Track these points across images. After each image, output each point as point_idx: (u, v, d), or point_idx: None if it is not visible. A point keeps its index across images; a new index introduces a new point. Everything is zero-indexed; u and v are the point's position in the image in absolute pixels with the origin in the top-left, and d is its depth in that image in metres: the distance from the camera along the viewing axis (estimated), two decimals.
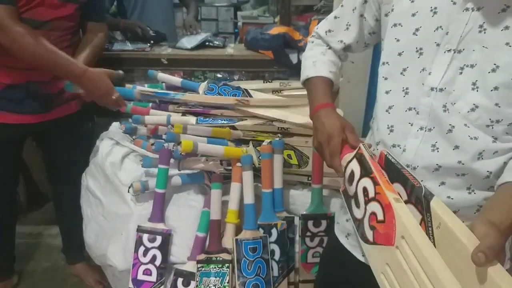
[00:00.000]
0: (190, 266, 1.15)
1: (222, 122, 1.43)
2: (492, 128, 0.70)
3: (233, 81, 1.76)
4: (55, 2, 1.32)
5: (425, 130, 0.75)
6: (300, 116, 1.36)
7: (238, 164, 1.19)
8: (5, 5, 1.20)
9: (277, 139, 1.25)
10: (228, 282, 1.11)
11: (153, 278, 1.16)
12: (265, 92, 1.60)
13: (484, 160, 0.72)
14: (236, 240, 1.13)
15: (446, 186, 0.75)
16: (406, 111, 0.77)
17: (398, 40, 0.78)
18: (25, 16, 1.27)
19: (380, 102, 0.82)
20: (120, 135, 1.46)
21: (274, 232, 1.18)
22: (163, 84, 1.63)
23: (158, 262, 1.16)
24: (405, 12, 0.77)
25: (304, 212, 1.24)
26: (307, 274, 1.23)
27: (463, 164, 0.73)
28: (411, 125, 0.77)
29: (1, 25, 1.19)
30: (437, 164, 0.75)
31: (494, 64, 0.67)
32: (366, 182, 0.70)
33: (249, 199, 1.16)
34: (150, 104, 1.56)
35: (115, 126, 1.54)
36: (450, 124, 0.73)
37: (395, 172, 0.71)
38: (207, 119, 1.45)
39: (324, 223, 1.24)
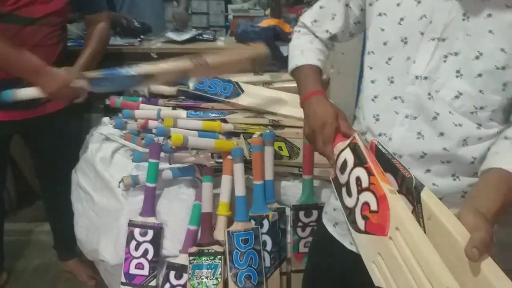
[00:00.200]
0: (182, 259, 1.15)
1: (213, 115, 1.43)
2: (476, 114, 0.71)
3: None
4: None
5: (411, 118, 0.76)
6: (291, 108, 1.36)
7: (229, 157, 1.19)
8: None
9: (268, 131, 1.25)
10: (220, 274, 1.11)
11: (145, 271, 1.16)
12: (256, 85, 1.60)
13: (468, 147, 0.73)
14: (228, 232, 1.13)
15: (432, 174, 0.76)
16: (391, 100, 0.78)
17: (383, 30, 0.78)
18: (17, 13, 1.25)
19: (366, 92, 0.83)
20: (110, 130, 1.45)
21: (265, 223, 1.18)
22: None
23: (150, 256, 1.16)
24: (389, 2, 0.77)
25: (295, 203, 1.24)
26: (299, 264, 1.24)
27: (448, 151, 0.74)
28: (397, 113, 0.77)
29: None
30: (422, 152, 0.75)
31: (478, 52, 0.68)
32: (360, 171, 0.70)
33: (240, 191, 1.16)
34: (140, 99, 1.55)
35: (105, 121, 1.53)
36: (434, 112, 0.73)
37: (385, 162, 0.72)
38: (197, 112, 1.45)
39: (315, 213, 1.24)
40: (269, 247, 1.18)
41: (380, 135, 0.79)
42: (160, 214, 1.21)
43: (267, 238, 1.18)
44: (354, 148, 0.73)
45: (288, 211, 1.24)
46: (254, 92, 1.52)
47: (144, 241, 1.17)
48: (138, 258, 1.16)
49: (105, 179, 1.27)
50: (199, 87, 1.51)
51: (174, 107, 1.46)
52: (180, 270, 1.14)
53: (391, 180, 0.69)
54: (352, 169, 0.72)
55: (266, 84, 1.61)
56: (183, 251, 1.16)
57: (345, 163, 0.74)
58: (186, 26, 2.15)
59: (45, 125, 1.50)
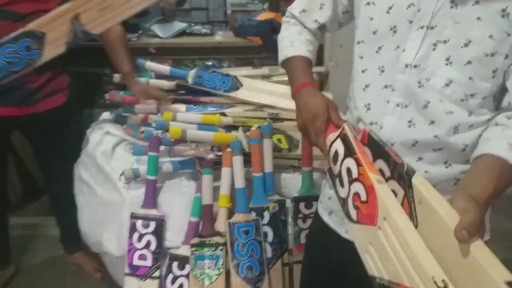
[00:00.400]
0: (185, 250, 1.17)
1: (212, 109, 1.44)
2: (467, 102, 0.72)
3: (222, 68, 1.76)
4: None
5: (401, 107, 0.76)
6: (290, 102, 1.37)
7: (228, 149, 1.21)
8: None
9: (266, 124, 1.27)
10: (222, 264, 1.13)
11: (148, 262, 1.18)
12: (255, 79, 1.61)
13: (460, 134, 0.74)
14: (229, 223, 1.15)
15: (424, 161, 0.77)
16: (382, 89, 0.78)
17: (372, 19, 0.79)
18: (6, 9, 1.26)
19: (357, 81, 0.83)
20: (110, 124, 1.47)
21: (266, 214, 1.20)
22: (152, 73, 1.63)
23: (153, 247, 1.18)
24: None
25: (296, 195, 1.26)
26: (300, 255, 1.25)
27: (439, 138, 0.74)
28: (388, 102, 0.78)
29: None
30: (414, 140, 0.76)
31: (467, 39, 0.69)
32: (350, 162, 0.71)
33: (240, 183, 1.18)
34: None
35: (105, 116, 1.55)
36: (425, 100, 0.74)
37: (378, 149, 0.73)
38: (197, 106, 1.46)
39: (315, 204, 1.24)
40: (270, 238, 1.20)
41: (371, 124, 0.80)
42: (161, 206, 1.23)
43: (268, 230, 1.20)
44: (344, 138, 0.74)
45: (288, 203, 1.26)
46: (253, 86, 1.53)
47: (147, 233, 1.19)
48: (141, 249, 1.19)
49: (107, 172, 1.29)
50: (198, 81, 1.52)
51: (174, 101, 1.47)
52: (182, 261, 1.17)
53: (383, 167, 0.70)
54: (343, 160, 0.73)
55: (265, 77, 1.62)
56: (185, 243, 1.18)
57: (336, 154, 0.75)
58: (173, 15, 2.08)
59: (43, 122, 1.51)
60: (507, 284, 0.49)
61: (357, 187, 0.68)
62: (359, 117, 0.83)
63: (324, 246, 0.95)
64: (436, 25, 0.71)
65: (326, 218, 0.94)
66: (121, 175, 1.24)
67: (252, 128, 1.24)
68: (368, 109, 0.81)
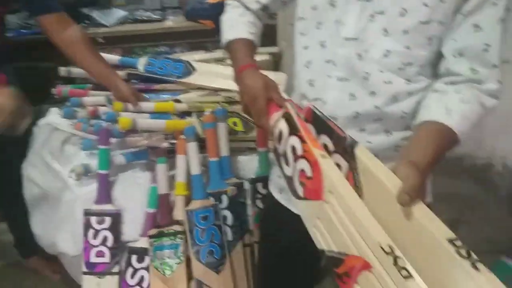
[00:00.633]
0: (143, 242, 1.14)
1: (166, 96, 1.40)
2: (405, 71, 0.72)
3: (175, 53, 1.72)
4: None
5: (343, 81, 0.77)
6: None
7: (182, 136, 1.18)
8: None
9: (219, 107, 1.24)
10: (182, 252, 1.11)
11: (106, 259, 1.14)
12: (208, 62, 1.58)
13: (399, 103, 0.75)
14: (187, 211, 1.13)
15: (366, 132, 0.78)
16: (324, 64, 0.78)
17: None
18: None
19: (299, 59, 0.83)
20: (58, 120, 1.40)
21: (224, 198, 1.18)
22: None
23: (109, 243, 1.15)
24: None
25: (253, 176, 1.25)
26: None
27: (379, 108, 0.75)
28: (330, 77, 0.78)
29: None
30: (355, 112, 0.77)
31: (402, 8, 0.69)
32: (294, 140, 0.71)
33: (195, 169, 1.16)
34: (89, 86, 1.50)
35: (52, 112, 1.47)
36: (365, 72, 0.74)
37: (321, 125, 0.73)
38: (150, 95, 1.42)
39: None
40: (230, 221, 1.19)
41: (315, 100, 0.80)
42: (116, 200, 1.19)
43: (227, 213, 1.19)
44: (287, 117, 0.74)
45: (246, 185, 1.25)
46: (206, 70, 1.50)
47: (103, 229, 1.15)
48: (98, 246, 1.15)
49: (56, 170, 1.23)
50: (150, 69, 1.48)
51: None
52: (141, 253, 1.14)
53: (327, 141, 0.70)
54: (287, 138, 0.73)
55: (218, 61, 1.59)
56: (144, 235, 1.15)
57: (281, 133, 0.75)
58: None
59: None
60: (448, 240, 0.50)
61: (302, 164, 0.68)
62: (303, 94, 0.83)
63: (278, 223, 0.95)
64: None
65: (277, 196, 0.94)
66: (70, 171, 1.19)
67: (205, 113, 1.22)
68: (311, 85, 0.80)
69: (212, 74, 1.47)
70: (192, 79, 1.45)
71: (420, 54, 0.71)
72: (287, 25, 1.75)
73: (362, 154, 0.63)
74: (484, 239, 1.70)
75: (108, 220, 1.15)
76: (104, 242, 1.14)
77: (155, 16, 1.89)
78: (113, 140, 1.23)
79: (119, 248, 1.16)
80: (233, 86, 1.37)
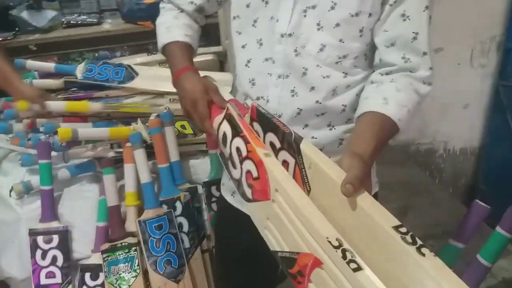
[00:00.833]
0: (96, 258, 1.10)
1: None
2: (341, 64, 0.74)
3: (115, 58, 1.65)
4: None
5: (283, 78, 0.77)
6: None
7: (128, 144, 1.14)
8: None
9: (165, 111, 1.21)
10: (138, 265, 1.08)
11: (58, 279, 1.09)
12: (151, 65, 1.54)
13: (338, 96, 0.76)
14: (139, 221, 1.10)
15: (309, 128, 0.79)
16: (263, 62, 0.78)
17: None
18: None
19: (238, 58, 0.83)
20: None
21: (178, 205, 1.16)
22: (36, 72, 1.48)
23: (60, 262, 1.09)
24: None
25: (206, 180, 1.23)
26: None
27: (320, 103, 0.77)
28: (270, 75, 0.78)
29: None
30: (298, 108, 0.78)
31: (332, 2, 0.71)
32: (238, 141, 0.70)
33: (145, 177, 1.12)
34: None
35: None
36: (303, 67, 0.75)
37: (267, 123, 0.72)
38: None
39: None
40: (186, 228, 1.17)
41: (258, 98, 0.80)
42: (64, 217, 1.14)
43: (182, 220, 1.17)
44: (229, 119, 0.73)
45: (200, 189, 1.23)
46: (149, 73, 1.46)
47: (51, 248, 1.09)
48: (47, 266, 1.09)
49: None
50: (88, 76, 1.41)
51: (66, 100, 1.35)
52: (95, 270, 1.09)
53: (273, 139, 0.70)
54: (231, 140, 0.72)
55: (161, 63, 1.55)
56: (96, 250, 1.11)
57: (225, 135, 0.74)
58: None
59: None
60: (394, 228, 0.51)
61: (248, 164, 0.67)
62: (245, 93, 0.83)
63: (236, 227, 0.94)
64: None
65: (229, 198, 0.93)
66: (10, 191, 1.12)
67: (150, 118, 1.18)
68: (253, 84, 0.80)
69: (156, 77, 1.43)
70: (135, 84, 1.41)
71: (353, 46, 0.73)
72: (229, 23, 1.74)
73: (307, 149, 0.64)
74: (432, 223, 1.75)
75: (56, 238, 1.09)
76: (54, 262, 1.09)
77: (90, 20, 1.80)
78: (54, 153, 1.16)
79: (71, 266, 1.10)
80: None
